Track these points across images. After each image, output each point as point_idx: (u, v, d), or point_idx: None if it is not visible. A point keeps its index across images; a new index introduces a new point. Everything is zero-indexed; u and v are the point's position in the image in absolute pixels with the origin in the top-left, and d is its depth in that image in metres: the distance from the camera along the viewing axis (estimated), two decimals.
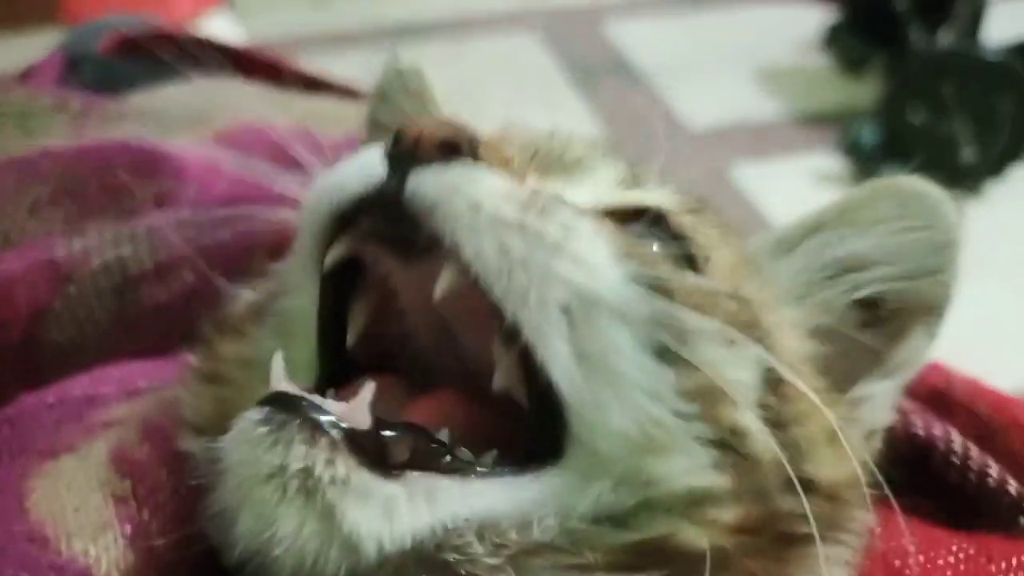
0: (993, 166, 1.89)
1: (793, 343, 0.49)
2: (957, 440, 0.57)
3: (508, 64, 2.20)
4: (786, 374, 0.44)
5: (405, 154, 0.41)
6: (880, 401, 0.53)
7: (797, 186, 1.87)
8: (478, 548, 0.39)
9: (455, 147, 0.42)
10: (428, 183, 0.40)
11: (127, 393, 0.53)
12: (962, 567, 0.51)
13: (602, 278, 0.41)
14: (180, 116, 0.79)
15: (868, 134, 1.92)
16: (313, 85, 0.92)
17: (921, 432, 0.58)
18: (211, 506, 0.40)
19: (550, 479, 0.41)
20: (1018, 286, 1.59)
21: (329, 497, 0.37)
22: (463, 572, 0.39)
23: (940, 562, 0.50)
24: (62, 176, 0.66)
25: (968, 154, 1.87)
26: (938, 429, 0.58)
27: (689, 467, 0.41)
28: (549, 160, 0.49)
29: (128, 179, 0.61)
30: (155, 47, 0.89)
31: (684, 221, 0.48)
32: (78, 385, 0.52)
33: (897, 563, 0.49)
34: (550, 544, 0.40)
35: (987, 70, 1.91)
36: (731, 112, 2.08)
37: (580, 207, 0.44)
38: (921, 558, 0.50)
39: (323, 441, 0.37)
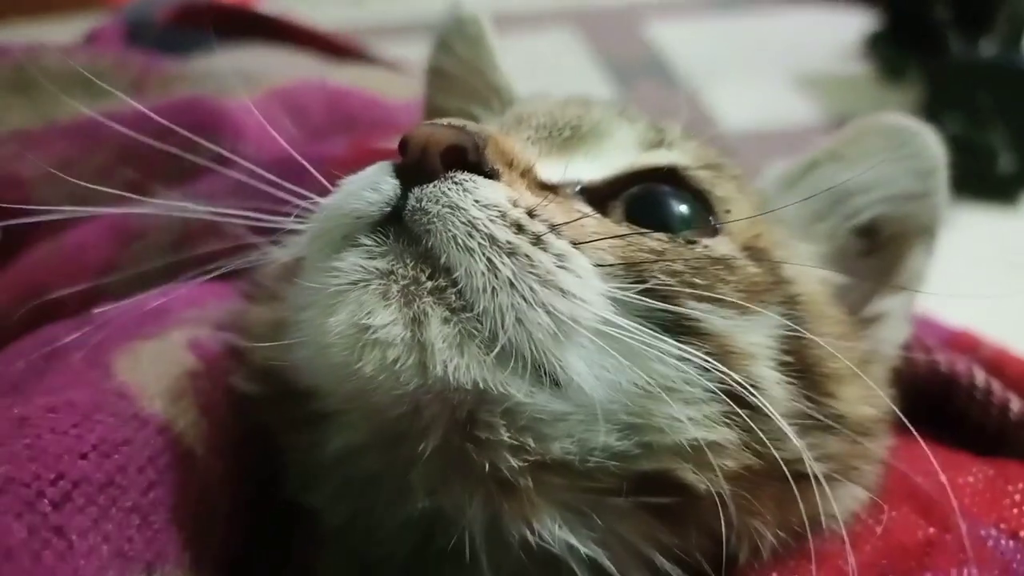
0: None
1: (813, 282, 0.51)
2: (980, 375, 0.59)
3: (546, 62, 2.22)
4: (803, 329, 0.46)
5: (411, 168, 0.43)
6: (895, 316, 0.57)
7: None
8: (504, 435, 0.41)
9: (461, 153, 0.43)
10: (427, 201, 0.42)
11: (196, 307, 0.57)
12: (981, 487, 0.52)
13: (587, 311, 0.41)
14: (236, 77, 0.81)
15: None
16: (362, 58, 0.95)
17: (944, 367, 0.60)
18: (301, 332, 0.43)
19: (564, 404, 0.42)
20: None
21: (425, 306, 0.40)
22: (486, 463, 0.41)
23: (960, 481, 0.52)
24: (125, 140, 0.69)
25: (1005, 163, 1.85)
26: (961, 365, 0.60)
27: (696, 419, 0.43)
28: (565, 135, 0.51)
29: (189, 139, 0.64)
30: (210, 18, 0.92)
31: (702, 176, 0.50)
32: (150, 300, 0.55)
33: (918, 480, 0.50)
34: (568, 465, 0.42)
35: None
36: (767, 115, 2.08)
37: (582, 231, 0.45)
38: (942, 477, 0.51)
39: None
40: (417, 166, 0.42)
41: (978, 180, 1.81)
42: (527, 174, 0.46)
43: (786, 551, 0.45)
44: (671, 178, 0.50)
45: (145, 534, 0.42)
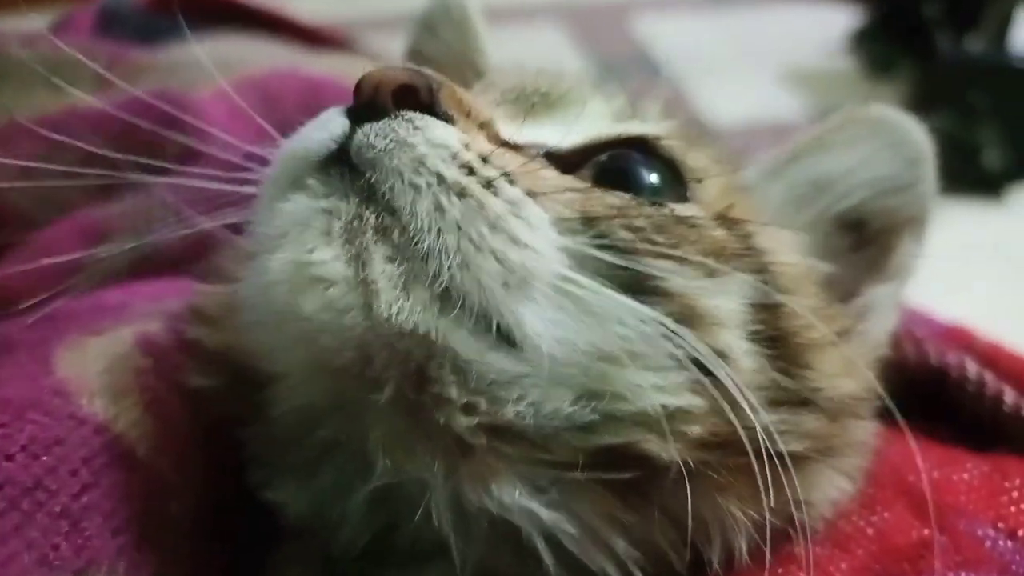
0: (1018, 171, 1.87)
1: (790, 260, 0.49)
2: (971, 367, 0.58)
3: (533, 58, 2.20)
4: (776, 296, 0.44)
5: (362, 108, 0.41)
6: (883, 305, 0.55)
7: None
8: (453, 392, 0.39)
9: (413, 93, 0.41)
10: (374, 136, 0.40)
11: (154, 303, 0.54)
12: (976, 483, 0.50)
13: (541, 263, 0.40)
14: (210, 65, 0.79)
15: None
16: (344, 49, 0.93)
17: (934, 359, 0.59)
18: (247, 277, 0.42)
19: (517, 363, 0.40)
20: None
21: (367, 242, 0.38)
22: (440, 419, 0.40)
23: (955, 478, 0.50)
24: (92, 138, 0.67)
25: (993, 159, 1.85)
26: (952, 357, 0.59)
27: (660, 385, 0.41)
28: (533, 100, 0.49)
29: (155, 135, 0.62)
30: (186, 5, 0.90)
31: (674, 146, 0.48)
32: (111, 296, 0.53)
33: (911, 478, 0.48)
34: (521, 431, 0.40)
35: (1014, 77, 1.90)
36: (755, 111, 2.07)
37: (538, 181, 0.43)
38: (936, 474, 0.50)
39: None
40: (368, 104, 0.41)
41: (965, 175, 1.81)
42: (485, 127, 0.44)
43: (770, 550, 0.42)
44: (642, 148, 0.48)
45: (74, 541, 0.39)
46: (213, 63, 0.81)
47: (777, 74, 2.19)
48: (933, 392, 0.58)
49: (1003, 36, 2.01)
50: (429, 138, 0.40)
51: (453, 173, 0.40)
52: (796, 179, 0.55)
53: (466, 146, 0.41)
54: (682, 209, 0.45)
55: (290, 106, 0.72)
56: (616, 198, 0.44)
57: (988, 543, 0.46)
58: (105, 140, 0.69)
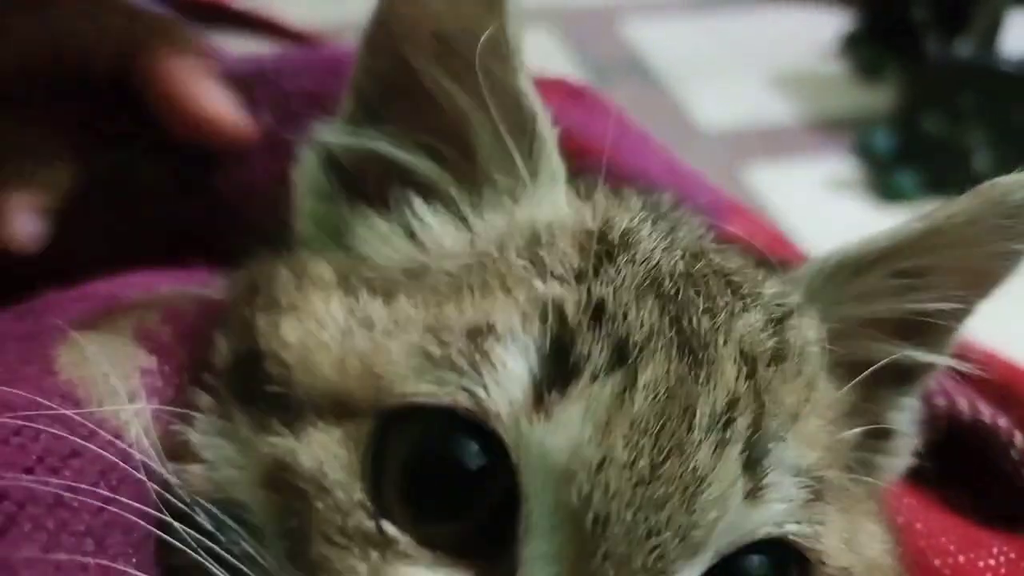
0: (1008, 174, 1.87)
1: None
2: (1020, 436, 0.55)
3: (526, 63, 2.20)
4: None
5: None
6: (908, 415, 0.50)
7: (810, 190, 1.86)
8: None
9: None
10: None
11: (147, 292, 0.52)
12: (1003, 571, 0.49)
13: None
14: None
15: (883, 140, 1.91)
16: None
17: (987, 420, 0.55)
18: None
19: None
20: None
21: None
22: None
23: (981, 564, 0.49)
24: None
25: (983, 163, 1.85)
26: (1004, 422, 0.56)
27: None
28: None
29: None
30: (175, 7, 0.89)
31: (807, 536, 0.41)
32: (101, 287, 0.51)
33: (937, 562, 0.47)
34: None
35: (1004, 80, 1.90)
36: (746, 115, 2.07)
37: None
38: (961, 559, 0.48)
39: None
40: None
41: (955, 179, 1.81)
42: None
43: None
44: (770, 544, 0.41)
45: (100, 561, 0.36)
46: None
47: (767, 77, 2.19)
48: (965, 450, 0.56)
49: (992, 39, 2.01)
50: None
51: None
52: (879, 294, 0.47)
53: None
54: None
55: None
56: None
57: None
58: None
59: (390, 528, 0.38)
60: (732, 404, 0.39)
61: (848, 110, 2.10)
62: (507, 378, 0.38)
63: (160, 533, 0.40)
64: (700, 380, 0.40)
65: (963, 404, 0.56)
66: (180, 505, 0.41)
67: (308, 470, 0.39)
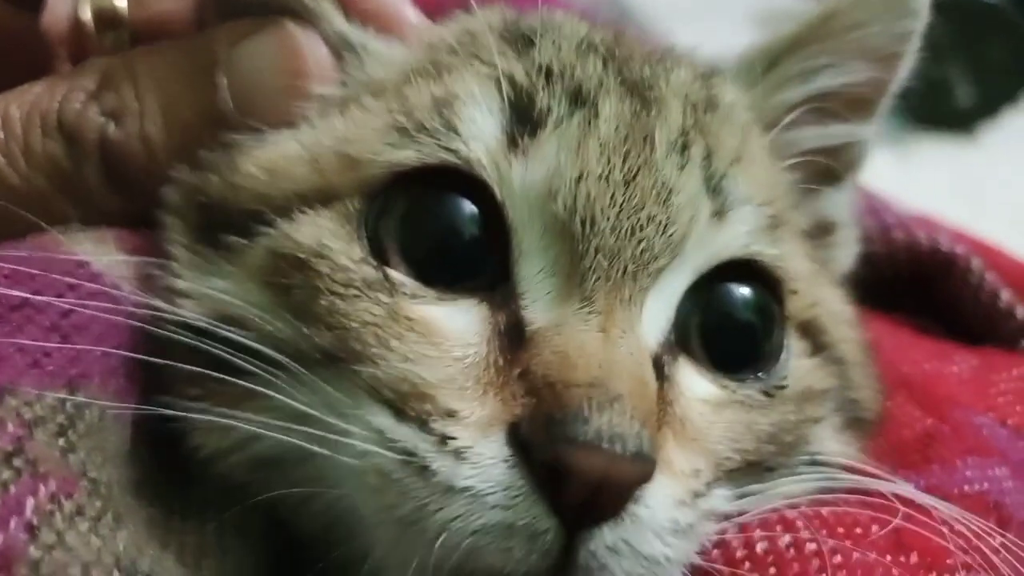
0: (987, 109, 1.89)
1: (850, 335, 0.50)
2: (976, 262, 0.60)
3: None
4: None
5: (575, 507, 0.38)
6: (845, 217, 0.56)
7: None
8: None
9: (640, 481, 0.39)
10: (602, 551, 0.38)
11: None
12: (966, 375, 0.53)
13: None
14: None
15: None
16: None
17: (945, 248, 0.60)
18: None
19: None
20: (1016, 221, 1.59)
21: None
22: None
23: (946, 371, 0.53)
24: None
25: (963, 97, 1.87)
26: (961, 249, 0.60)
27: None
28: (627, 265, 0.43)
29: None
30: None
31: (772, 258, 0.47)
32: None
33: (905, 369, 0.50)
34: None
35: (981, 14, 1.90)
36: (728, 55, 2.06)
37: None
38: (927, 367, 0.52)
39: None
40: (584, 505, 0.37)
41: (935, 113, 1.82)
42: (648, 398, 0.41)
43: None
44: (743, 272, 0.46)
45: (67, 352, 0.40)
46: None
47: (748, 17, 2.18)
48: (926, 280, 0.60)
49: None
50: (656, 526, 0.39)
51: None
52: (792, 74, 0.54)
53: (681, 502, 0.40)
54: (793, 381, 0.46)
55: None
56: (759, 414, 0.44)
57: (985, 430, 0.48)
58: None
59: (395, 274, 0.42)
60: (684, 133, 0.45)
61: None
62: (480, 131, 0.43)
63: (147, 358, 0.42)
64: (652, 114, 0.45)
65: (921, 236, 0.61)
66: (174, 336, 0.42)
67: (306, 243, 0.42)
